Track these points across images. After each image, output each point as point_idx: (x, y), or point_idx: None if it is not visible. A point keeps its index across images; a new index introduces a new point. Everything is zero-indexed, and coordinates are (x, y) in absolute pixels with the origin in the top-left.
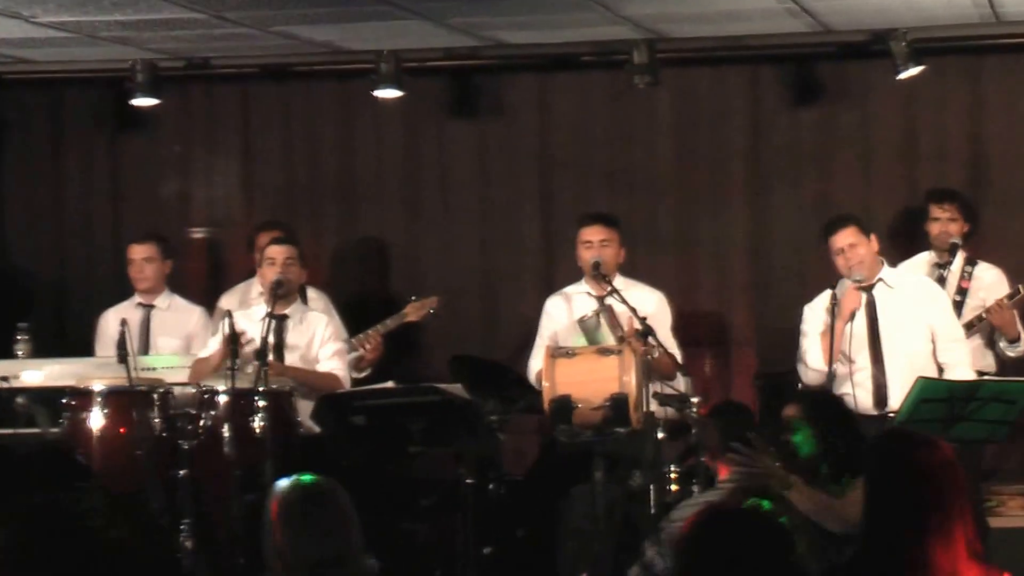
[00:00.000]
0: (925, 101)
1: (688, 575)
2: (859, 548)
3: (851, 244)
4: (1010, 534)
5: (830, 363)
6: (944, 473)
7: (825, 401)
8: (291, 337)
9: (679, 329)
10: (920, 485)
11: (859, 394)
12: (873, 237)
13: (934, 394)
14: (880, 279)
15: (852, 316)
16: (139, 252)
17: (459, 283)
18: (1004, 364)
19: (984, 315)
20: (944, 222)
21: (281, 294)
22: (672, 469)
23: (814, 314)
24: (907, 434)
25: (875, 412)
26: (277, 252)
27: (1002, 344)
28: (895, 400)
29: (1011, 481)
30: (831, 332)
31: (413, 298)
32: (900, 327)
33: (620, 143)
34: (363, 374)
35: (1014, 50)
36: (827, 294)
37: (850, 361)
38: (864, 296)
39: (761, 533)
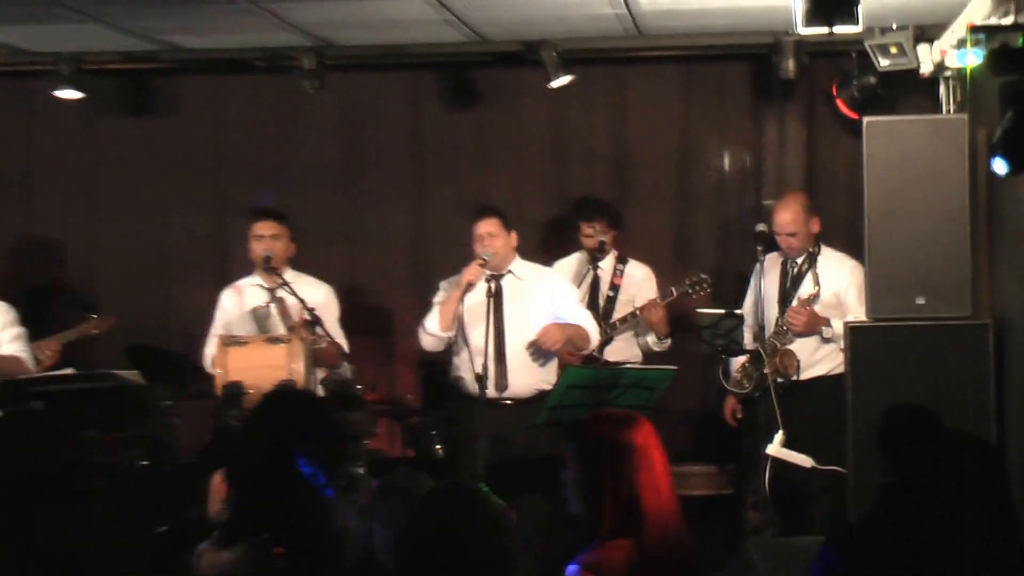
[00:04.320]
0: (574, 107)
1: (415, 546)
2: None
3: (490, 233)
4: None
5: (448, 328)
6: (648, 442)
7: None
8: None
9: (346, 319)
10: (626, 458)
11: (486, 377)
12: (513, 234)
13: (580, 380)
14: (510, 271)
15: (468, 288)
16: None
17: (137, 275)
18: (647, 356)
19: (638, 312)
20: (594, 237)
21: None
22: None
23: (445, 285)
24: (607, 415)
25: (496, 395)
26: None
27: (651, 340)
28: (516, 385)
29: None
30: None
31: (93, 317)
32: (523, 314)
33: (290, 143)
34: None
35: (654, 61)
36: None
37: (468, 344)
38: (492, 284)
39: (480, 511)
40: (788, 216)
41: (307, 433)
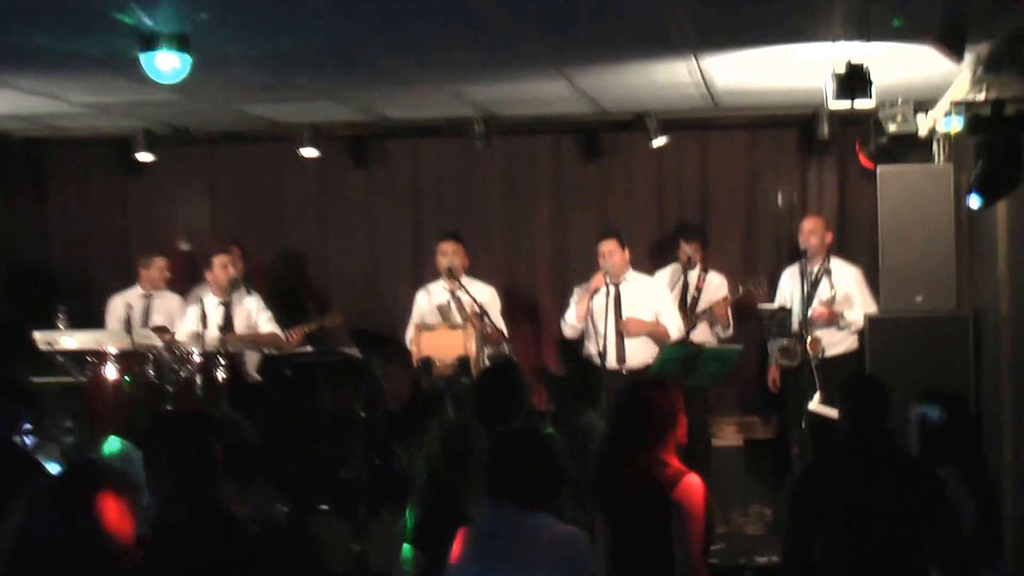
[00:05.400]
0: (670, 159)
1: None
2: (601, 456)
3: (610, 250)
4: (725, 450)
5: (582, 321)
6: (665, 404)
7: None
8: (237, 314)
9: (505, 311)
10: (649, 414)
11: (607, 355)
12: (627, 250)
13: (675, 355)
14: (626, 279)
15: (595, 292)
16: (159, 264)
17: (357, 281)
18: (719, 340)
19: (712, 308)
20: (691, 253)
21: (231, 287)
22: None
23: (578, 289)
24: (647, 381)
25: (616, 367)
26: (227, 259)
27: (717, 329)
28: (631, 360)
29: (725, 414)
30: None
31: (328, 313)
32: (636, 311)
33: (466, 186)
34: None
35: (728, 126)
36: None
37: (596, 331)
38: (612, 288)
39: (546, 444)
40: (811, 222)
41: (513, 395)
